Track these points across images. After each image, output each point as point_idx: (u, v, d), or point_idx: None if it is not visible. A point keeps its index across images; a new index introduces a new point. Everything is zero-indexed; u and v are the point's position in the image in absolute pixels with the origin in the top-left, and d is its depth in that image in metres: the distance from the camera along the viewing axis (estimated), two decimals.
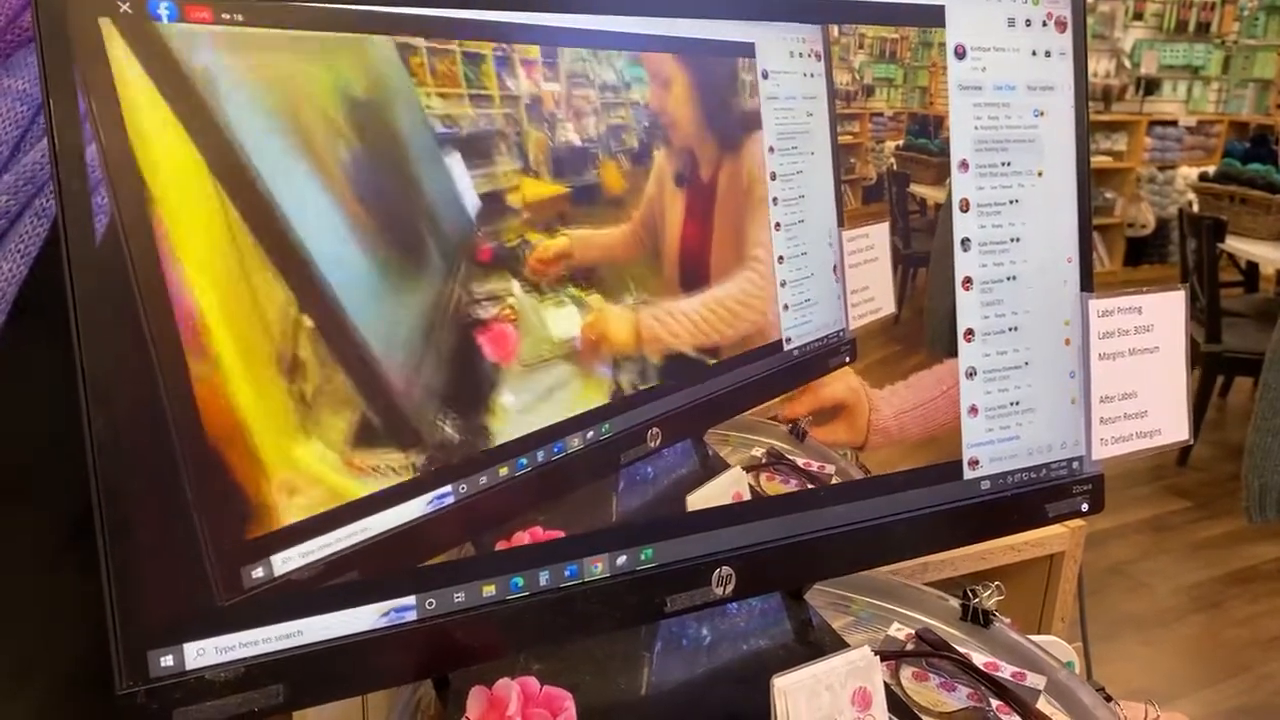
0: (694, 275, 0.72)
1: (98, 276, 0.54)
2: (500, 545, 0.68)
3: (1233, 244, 3.90)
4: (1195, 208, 4.28)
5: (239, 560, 0.59)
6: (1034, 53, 0.78)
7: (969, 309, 0.79)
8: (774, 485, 0.76)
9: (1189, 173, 5.83)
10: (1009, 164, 0.79)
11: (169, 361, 0.55)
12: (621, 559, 0.70)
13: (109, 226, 0.54)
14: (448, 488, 0.66)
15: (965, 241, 0.78)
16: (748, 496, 0.75)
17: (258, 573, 0.60)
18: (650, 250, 0.70)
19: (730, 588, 0.73)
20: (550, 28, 0.65)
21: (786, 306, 0.75)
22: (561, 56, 0.66)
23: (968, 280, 0.79)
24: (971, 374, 0.80)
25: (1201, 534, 3.33)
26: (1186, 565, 3.13)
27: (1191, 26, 6.60)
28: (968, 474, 0.81)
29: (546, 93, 0.66)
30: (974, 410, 0.80)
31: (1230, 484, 3.59)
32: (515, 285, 0.66)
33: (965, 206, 0.78)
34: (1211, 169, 4.47)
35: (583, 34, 0.66)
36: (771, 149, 0.74)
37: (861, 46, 0.76)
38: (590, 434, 0.71)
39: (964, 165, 0.78)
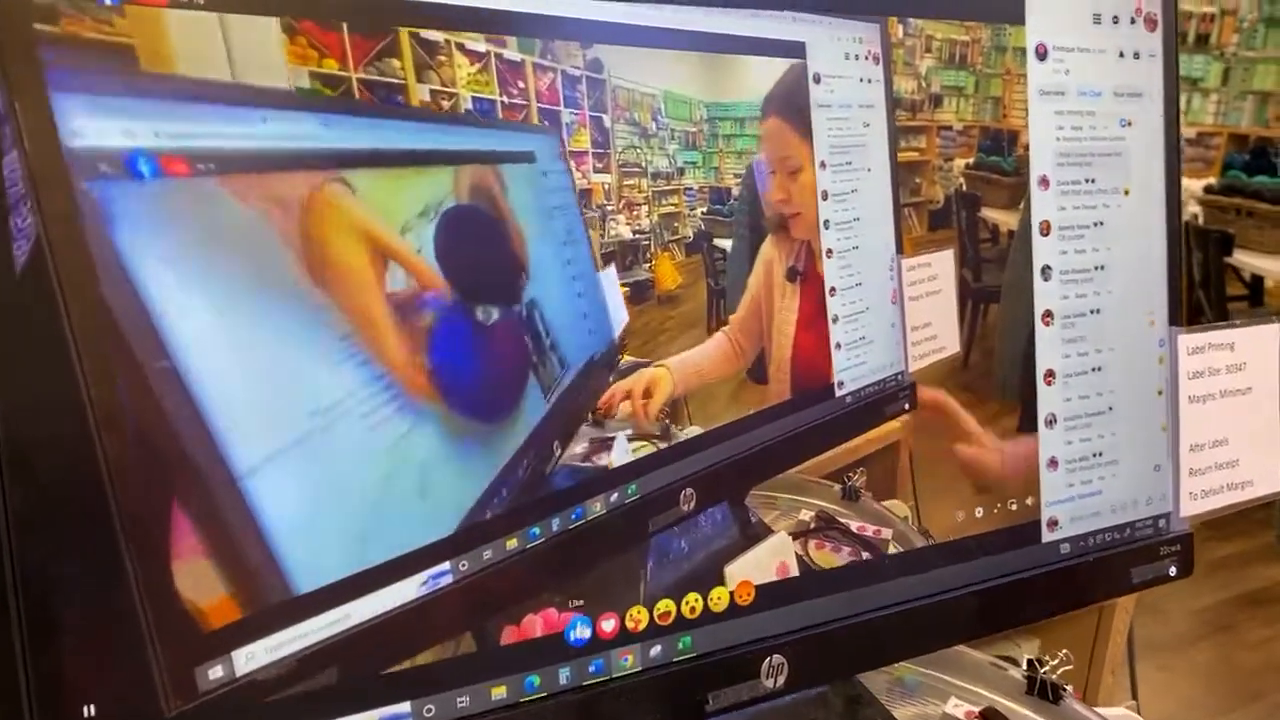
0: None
1: (19, 313, 0.44)
2: (509, 635, 0.58)
3: (1240, 257, 3.82)
4: (1200, 220, 4.21)
5: (193, 657, 0.49)
6: (1121, 54, 0.68)
7: (1049, 347, 0.68)
8: (825, 554, 0.66)
9: (1191, 185, 5.77)
10: (1093, 181, 0.69)
11: (108, 417, 0.45)
12: (656, 649, 0.59)
13: (33, 252, 0.44)
14: (445, 565, 0.55)
15: (1046, 270, 0.68)
16: (794, 568, 0.65)
17: (215, 673, 0.50)
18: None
19: (783, 679, 0.63)
20: (580, 20, 0.56)
21: (839, 345, 0.65)
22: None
23: (1048, 314, 0.68)
24: (1051, 422, 0.69)
25: (1214, 555, 3.25)
26: (1200, 587, 3.06)
27: (1191, 38, 6.56)
28: (1046, 536, 0.71)
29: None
30: (1054, 463, 0.70)
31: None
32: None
33: (1046, 229, 0.68)
34: (1213, 180, 4.40)
35: (612, 28, 0.56)
36: (823, 164, 0.63)
37: (928, 50, 0.66)
38: (614, 496, 0.60)
39: (1044, 182, 0.68)
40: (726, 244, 0.63)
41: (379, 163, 0.52)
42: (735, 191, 0.62)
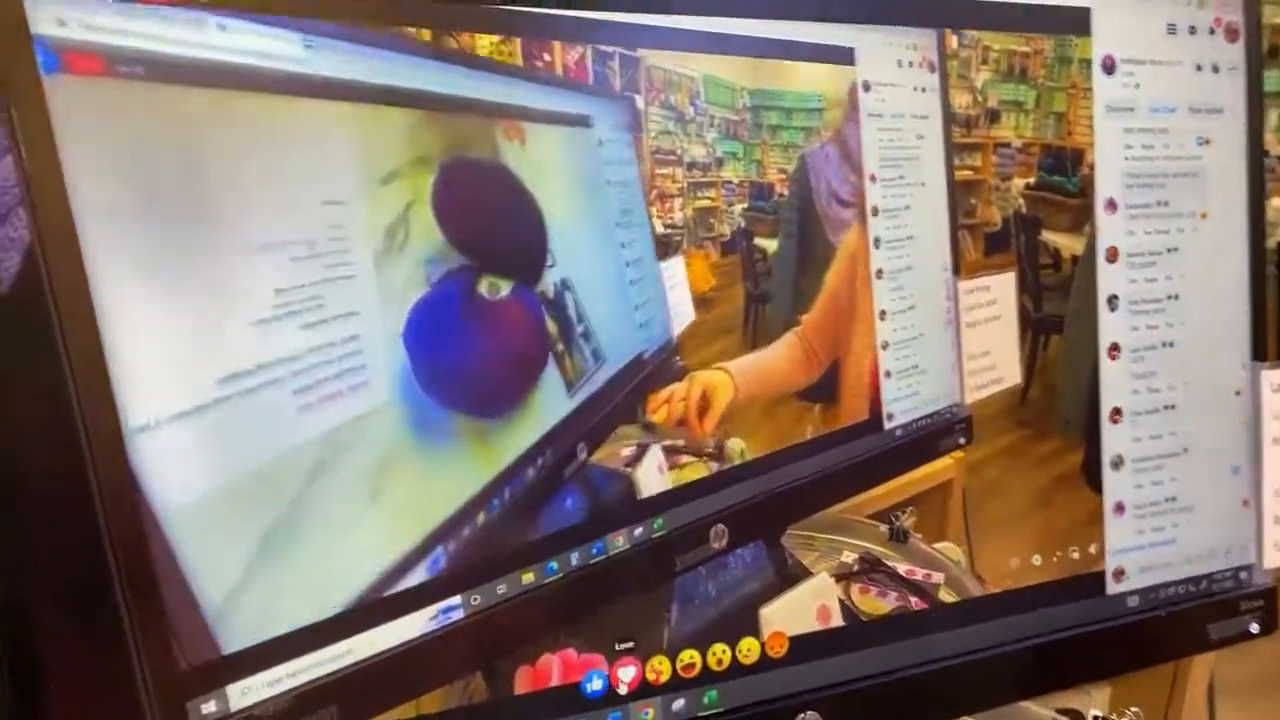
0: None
1: (9, 329, 0.40)
2: (524, 676, 0.53)
3: None
4: None
5: (185, 691, 0.45)
6: (1199, 67, 0.64)
7: (1116, 383, 0.63)
8: (870, 599, 0.61)
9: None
10: (1166, 204, 0.63)
11: (105, 444, 0.41)
12: (679, 703, 0.54)
13: (23, 264, 0.40)
14: (456, 599, 0.51)
15: (1113, 299, 0.63)
16: (837, 614, 0.59)
17: (208, 708, 0.46)
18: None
19: None
20: (639, 25, 0.53)
21: (888, 374, 0.60)
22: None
23: (1115, 347, 0.63)
24: (1118, 464, 0.64)
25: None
26: None
27: (1266, 48, 6.40)
28: (1112, 587, 0.65)
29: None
30: (1120, 508, 0.64)
31: None
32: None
33: (1113, 256, 0.63)
34: None
35: (653, 32, 0.53)
36: (873, 178, 0.59)
37: (985, 62, 0.62)
38: (639, 531, 0.56)
39: (1111, 205, 0.63)
40: (768, 244, 0.58)
41: (370, 99, 0.46)
42: (779, 189, 0.58)
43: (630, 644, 0.55)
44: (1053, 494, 0.65)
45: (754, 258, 0.57)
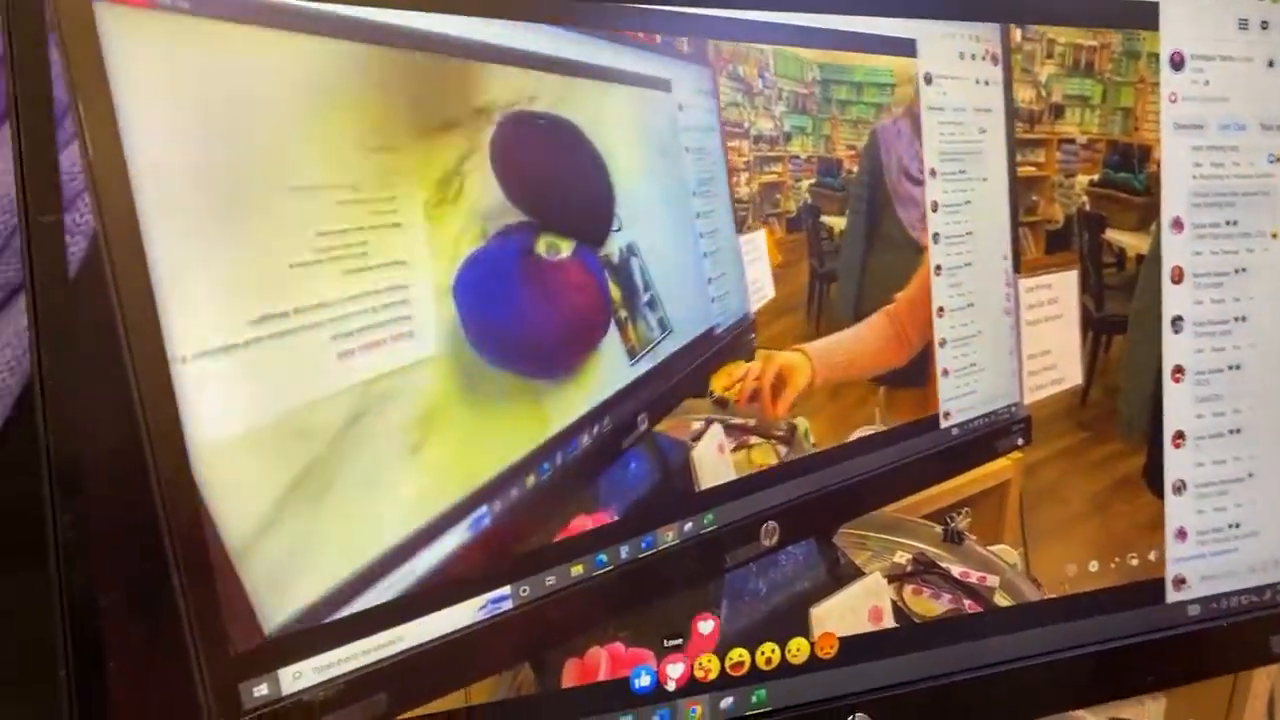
0: None
1: (72, 324, 0.40)
2: (571, 668, 0.53)
3: None
4: None
5: (238, 674, 0.45)
6: (1270, 63, 0.62)
7: (1180, 406, 0.61)
8: (923, 601, 0.60)
9: None
10: (1235, 223, 0.62)
11: (165, 443, 0.41)
12: (727, 701, 0.54)
13: (88, 254, 0.40)
14: (505, 589, 0.51)
15: (1177, 321, 0.61)
16: (889, 615, 0.58)
17: (260, 690, 0.46)
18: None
19: None
20: (707, 17, 0.52)
21: (946, 372, 0.59)
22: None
23: (1179, 370, 0.62)
24: (1180, 489, 0.62)
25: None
26: None
27: None
28: (1172, 595, 0.63)
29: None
30: (1182, 534, 0.63)
31: None
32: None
33: (1178, 277, 0.61)
34: None
35: (712, 21, 0.52)
36: (933, 172, 0.58)
37: (1050, 55, 0.61)
38: (689, 526, 0.55)
39: (1178, 225, 0.61)
40: (835, 221, 0.57)
41: (432, 49, 0.44)
42: (848, 165, 0.56)
43: (679, 640, 0.55)
44: (1112, 498, 0.63)
45: (820, 235, 0.56)
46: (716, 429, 0.53)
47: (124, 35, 0.38)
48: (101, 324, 0.39)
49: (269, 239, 0.41)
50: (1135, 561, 0.64)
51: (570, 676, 0.54)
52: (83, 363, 0.40)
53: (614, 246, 0.50)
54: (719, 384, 0.54)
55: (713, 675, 0.55)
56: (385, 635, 0.48)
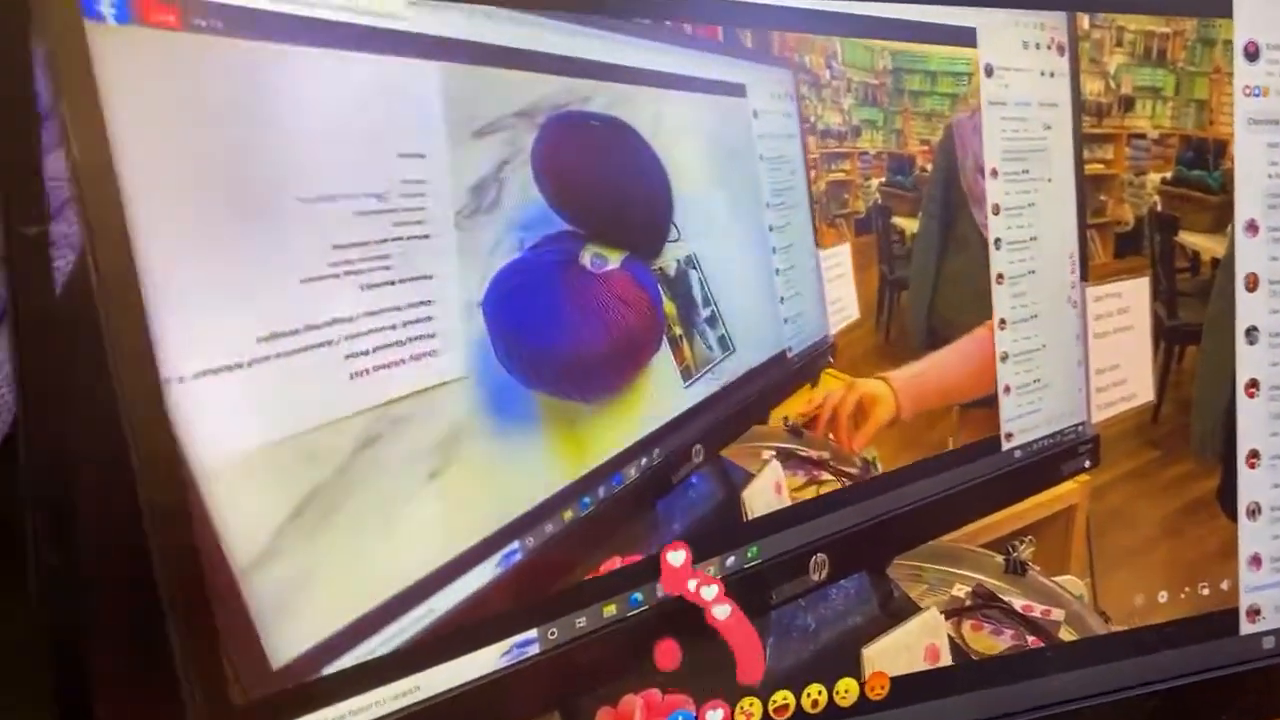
0: None
1: (59, 342, 0.36)
2: (604, 717, 0.48)
3: None
4: None
5: None
6: None
7: (1255, 424, 0.57)
8: (983, 638, 0.55)
9: None
10: None
11: (154, 467, 0.36)
12: None
13: (75, 268, 0.36)
14: (532, 632, 0.46)
15: (1252, 332, 0.56)
16: (946, 654, 0.54)
17: None
18: None
19: None
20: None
21: (1008, 389, 0.54)
22: None
23: (1253, 384, 0.57)
24: (1254, 512, 0.58)
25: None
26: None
27: None
28: (1245, 628, 0.59)
29: None
30: (1257, 561, 0.58)
31: None
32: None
33: (1253, 284, 0.56)
34: None
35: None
36: (994, 173, 0.53)
37: (1119, 44, 0.56)
38: (731, 560, 0.50)
39: (1252, 228, 0.56)
40: (907, 223, 0.52)
41: (477, 59, 0.40)
42: (920, 162, 0.52)
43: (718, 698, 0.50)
44: (1185, 523, 0.59)
45: (890, 238, 0.51)
46: (775, 467, 0.49)
47: (116, 46, 0.34)
48: (91, 341, 0.35)
49: (278, 253, 0.37)
50: (1207, 591, 0.59)
51: None
52: (70, 380, 0.36)
53: (670, 258, 0.46)
54: (793, 410, 0.49)
55: None
56: (401, 684, 0.43)
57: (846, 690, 0.52)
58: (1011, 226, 0.54)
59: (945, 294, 0.52)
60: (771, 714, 0.51)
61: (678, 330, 0.46)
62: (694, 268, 0.46)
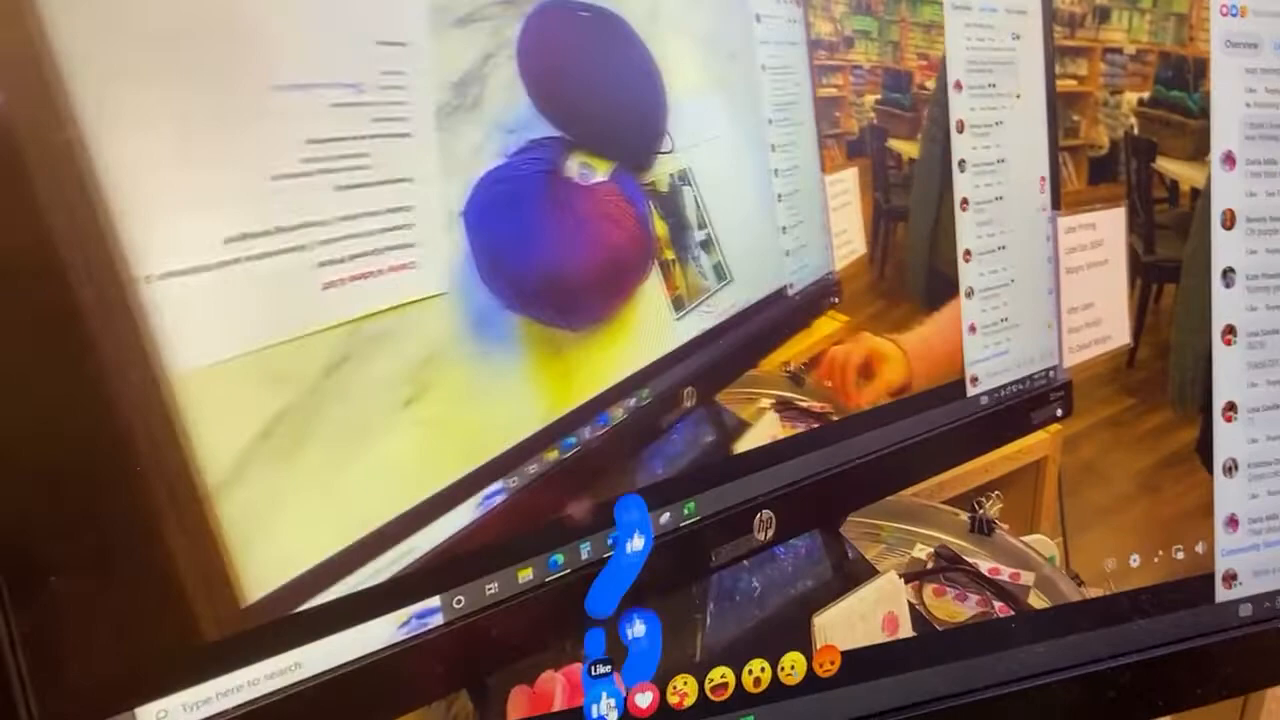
0: None
1: None
2: (518, 700, 0.42)
3: None
4: None
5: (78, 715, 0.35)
6: None
7: (1231, 374, 0.52)
8: (946, 604, 0.50)
9: None
10: None
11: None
12: None
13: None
14: (434, 600, 0.41)
15: (1228, 274, 0.52)
16: (907, 623, 0.48)
17: None
18: None
19: None
20: None
21: (973, 328, 0.49)
22: None
23: (1230, 330, 0.52)
24: (1231, 469, 0.53)
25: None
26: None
27: None
28: (1221, 594, 0.54)
29: None
30: (1233, 522, 0.54)
31: None
32: None
33: (1229, 221, 0.52)
34: None
35: None
36: (958, 85, 0.48)
37: None
38: (665, 518, 0.44)
39: (1229, 160, 0.52)
40: (905, 147, 0.47)
41: None
42: (919, 79, 0.47)
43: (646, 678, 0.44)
44: (1163, 478, 0.54)
45: (886, 163, 0.46)
46: (772, 419, 0.43)
47: None
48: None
49: (247, 145, 0.34)
50: (1181, 555, 0.55)
51: (518, 708, 0.44)
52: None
53: (662, 172, 0.42)
54: (794, 355, 0.44)
55: (689, 701, 0.46)
56: (281, 660, 0.38)
57: (792, 666, 0.47)
58: (977, 147, 0.49)
59: (949, 229, 0.47)
60: (709, 693, 0.46)
61: (669, 254, 0.43)
62: (688, 184, 0.42)
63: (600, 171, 0.41)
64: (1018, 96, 0.49)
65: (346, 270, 0.36)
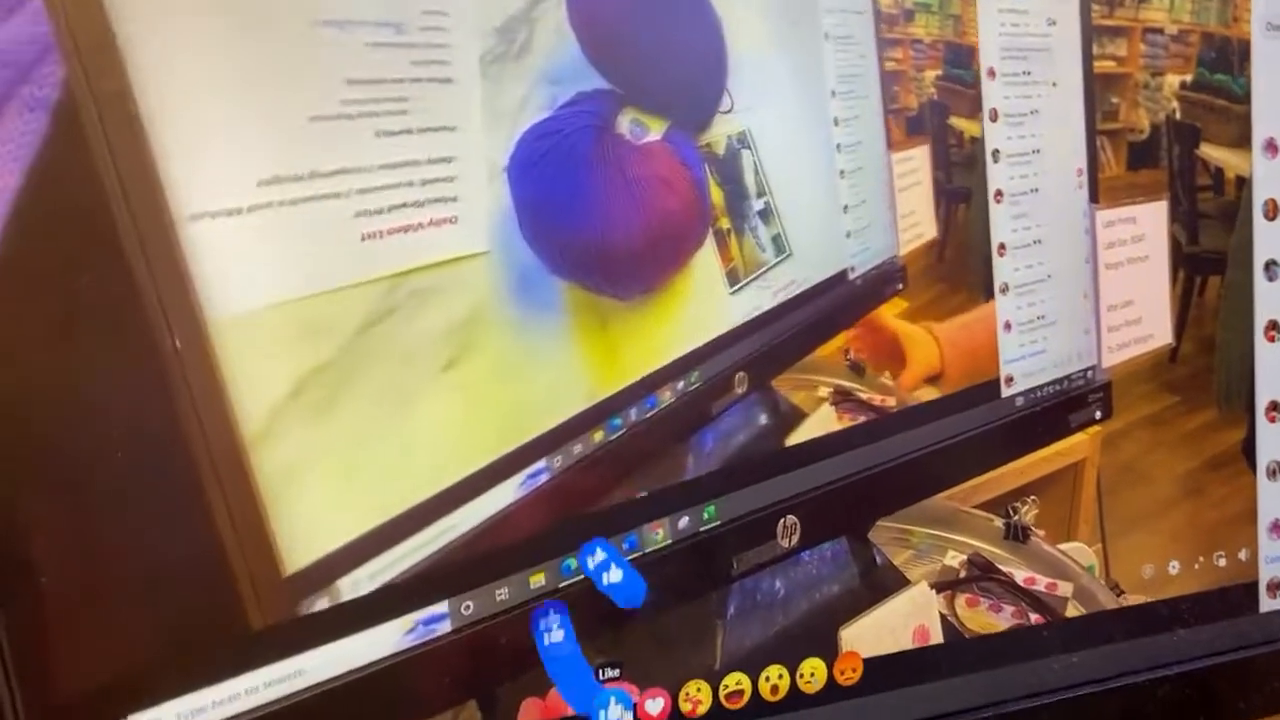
0: None
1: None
2: (529, 710, 0.41)
3: None
4: None
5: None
6: None
7: (1276, 371, 0.49)
8: (979, 616, 0.47)
9: None
10: None
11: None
12: None
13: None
14: (441, 606, 0.39)
15: (1271, 266, 0.49)
16: (936, 632, 0.46)
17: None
18: None
19: None
20: None
21: (1008, 326, 0.47)
22: None
23: (1273, 327, 0.49)
24: (1275, 473, 0.50)
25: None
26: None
27: None
28: (1266, 604, 0.52)
29: None
30: (1277, 528, 0.51)
31: None
32: None
33: (1272, 212, 0.49)
34: None
35: None
36: (991, 73, 0.46)
37: None
38: (684, 522, 0.42)
39: (1272, 147, 0.49)
40: (968, 125, 0.45)
41: None
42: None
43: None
44: (1208, 480, 0.51)
45: (947, 142, 0.43)
46: (827, 412, 0.41)
47: None
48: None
49: (285, 82, 0.33)
50: (1223, 562, 0.52)
51: (529, 718, 0.42)
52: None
53: (720, 134, 0.40)
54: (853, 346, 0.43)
55: (703, 709, 0.44)
56: (282, 667, 0.36)
57: (812, 673, 0.45)
58: (1012, 137, 0.46)
59: None
60: (723, 701, 0.44)
61: (725, 223, 0.40)
62: (747, 148, 0.40)
63: (653, 130, 0.39)
64: (1054, 85, 0.47)
65: (385, 222, 0.35)
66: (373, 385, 0.35)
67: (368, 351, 0.35)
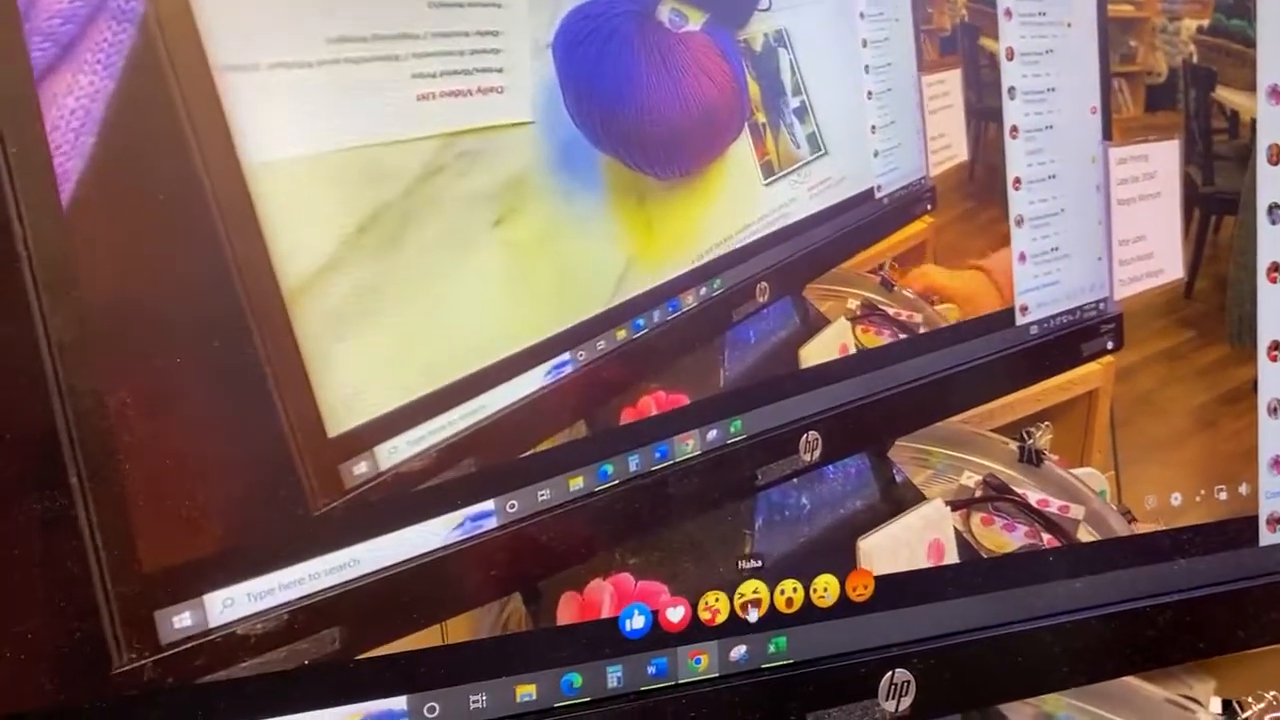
0: None
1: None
2: (568, 604, 0.44)
3: None
4: None
5: (151, 600, 0.37)
6: None
7: (1277, 309, 0.51)
8: (993, 534, 0.49)
9: None
10: None
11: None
12: (739, 650, 0.44)
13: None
14: (489, 504, 0.42)
15: (1274, 209, 0.51)
16: (952, 550, 0.48)
17: (182, 621, 0.38)
18: None
19: (907, 701, 0.48)
20: None
21: (1023, 257, 0.49)
22: None
23: (1276, 268, 0.51)
24: (1276, 410, 0.52)
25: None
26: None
27: None
28: (1266, 538, 0.53)
29: None
30: (1278, 464, 0.52)
31: None
32: None
33: (1276, 156, 0.51)
34: None
35: None
36: (1008, 13, 0.48)
37: None
38: (712, 434, 0.45)
39: (1276, 93, 0.51)
40: (998, 47, 0.47)
41: None
42: None
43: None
44: (1220, 414, 0.53)
45: (979, 62, 0.45)
46: (842, 326, 0.43)
47: None
48: None
49: None
50: (1224, 495, 0.54)
51: (568, 613, 0.45)
52: None
53: (758, 31, 0.41)
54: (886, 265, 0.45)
55: (721, 617, 0.46)
56: (339, 556, 0.39)
57: (826, 588, 0.47)
58: (1027, 75, 0.48)
59: None
60: (738, 610, 0.46)
61: (761, 117, 0.42)
62: (784, 47, 0.42)
63: (692, 21, 0.41)
64: (1069, 25, 0.49)
65: (438, 85, 0.38)
66: (430, 228, 0.38)
67: (425, 196, 0.38)
